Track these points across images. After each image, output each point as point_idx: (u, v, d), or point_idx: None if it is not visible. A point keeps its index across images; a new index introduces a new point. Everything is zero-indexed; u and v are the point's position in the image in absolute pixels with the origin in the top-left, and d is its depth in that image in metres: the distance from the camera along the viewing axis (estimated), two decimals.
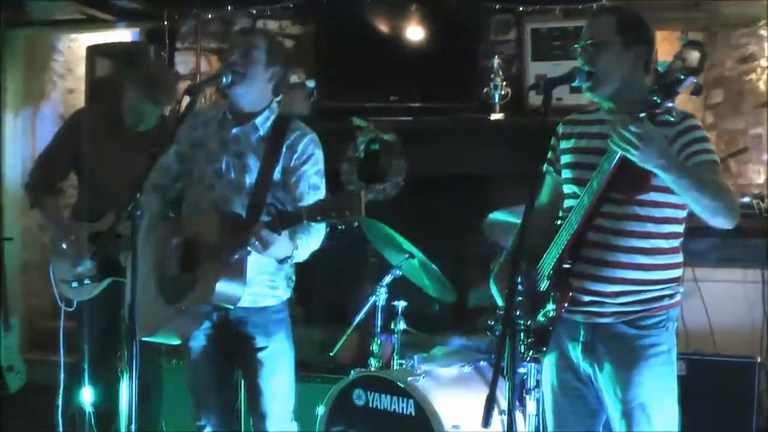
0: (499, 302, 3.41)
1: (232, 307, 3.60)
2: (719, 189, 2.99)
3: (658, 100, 2.77)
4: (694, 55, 2.73)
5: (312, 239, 3.66)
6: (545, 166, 3.46)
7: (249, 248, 3.45)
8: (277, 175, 3.73)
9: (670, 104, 2.78)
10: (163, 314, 3.66)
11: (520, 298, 3.25)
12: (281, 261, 3.61)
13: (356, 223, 3.23)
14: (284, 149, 3.76)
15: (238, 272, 3.54)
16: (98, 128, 4.86)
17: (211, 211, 3.71)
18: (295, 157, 3.76)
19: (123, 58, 6.28)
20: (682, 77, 2.72)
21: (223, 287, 3.50)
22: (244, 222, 3.60)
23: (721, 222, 3.00)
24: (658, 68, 2.81)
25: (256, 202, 3.67)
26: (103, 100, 5.91)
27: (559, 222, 3.23)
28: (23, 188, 4.98)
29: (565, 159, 3.35)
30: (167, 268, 3.71)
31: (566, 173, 3.33)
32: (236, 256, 3.50)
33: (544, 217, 3.35)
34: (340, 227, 3.24)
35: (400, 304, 4.75)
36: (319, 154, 3.82)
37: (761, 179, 6.37)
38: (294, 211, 3.44)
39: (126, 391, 3.67)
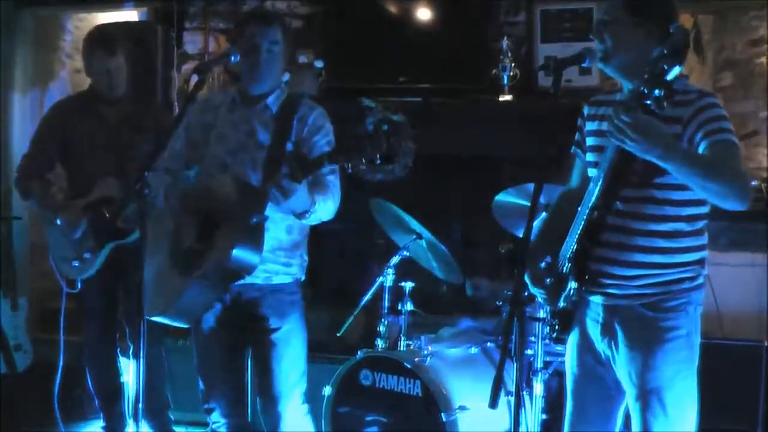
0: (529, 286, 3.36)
1: (246, 276, 3.57)
2: (726, 171, 2.93)
3: (645, 91, 2.76)
4: (678, 44, 2.73)
5: (329, 200, 3.66)
6: (573, 148, 3.45)
7: (269, 200, 3.42)
8: (288, 147, 3.73)
9: (685, 85, 2.75)
10: (177, 287, 3.63)
11: (546, 281, 3.26)
12: (300, 215, 3.59)
13: (379, 160, 3.17)
14: (295, 122, 3.78)
15: (255, 238, 3.51)
16: (74, 109, 4.92)
17: (228, 180, 3.68)
18: (306, 129, 3.78)
19: (112, 28, 6.26)
20: (666, 67, 2.71)
21: (241, 253, 3.46)
22: (259, 190, 3.58)
23: (731, 205, 2.95)
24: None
25: (269, 175, 3.66)
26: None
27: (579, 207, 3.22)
28: (14, 185, 5.03)
29: (589, 142, 3.34)
30: (183, 237, 3.69)
31: (590, 156, 3.32)
32: (254, 221, 3.48)
33: (574, 200, 3.29)
34: (362, 167, 3.19)
35: (408, 285, 4.75)
36: (329, 126, 3.84)
37: None
38: (314, 157, 3.43)
39: (133, 370, 3.70)
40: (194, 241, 3.63)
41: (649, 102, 2.77)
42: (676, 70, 2.72)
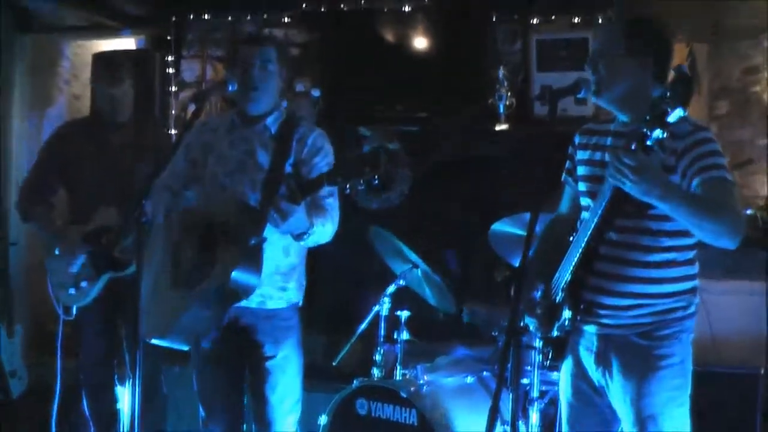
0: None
1: (245, 298, 3.57)
2: (721, 211, 2.95)
3: (647, 132, 2.75)
4: (681, 86, 2.73)
5: (327, 222, 3.67)
6: (564, 176, 3.46)
7: (268, 222, 3.43)
8: (288, 169, 3.74)
9: (683, 116, 2.75)
10: (176, 309, 3.62)
11: (538, 310, 3.27)
12: (297, 236, 3.59)
13: (376, 182, 3.19)
14: (294, 143, 3.79)
15: (254, 260, 3.52)
16: (78, 134, 4.93)
17: (227, 203, 3.69)
18: (305, 150, 3.79)
19: (119, 56, 6.29)
20: (668, 109, 2.71)
21: (240, 275, 3.47)
22: (258, 211, 3.59)
23: (724, 243, 2.98)
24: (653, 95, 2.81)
25: (268, 196, 3.66)
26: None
27: (572, 237, 3.23)
28: (14, 207, 5.04)
29: (580, 170, 3.35)
30: (182, 257, 3.70)
31: (582, 185, 3.33)
32: (253, 242, 3.49)
33: (564, 227, 3.35)
34: (360, 187, 3.21)
35: (404, 314, 4.75)
36: (328, 147, 3.85)
37: (766, 191, 6.36)
38: (313, 179, 3.44)
39: (129, 395, 3.69)
40: (194, 262, 3.63)
41: (650, 143, 2.78)
42: (678, 113, 2.71)
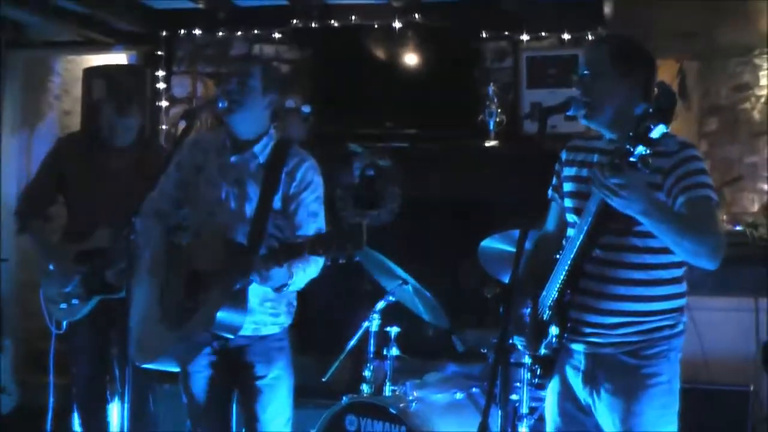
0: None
1: (232, 336, 3.59)
2: (702, 231, 2.96)
3: (631, 148, 2.73)
4: (663, 103, 2.73)
5: (309, 268, 3.64)
6: (550, 193, 3.45)
7: (251, 278, 3.46)
8: (277, 203, 3.74)
9: (666, 132, 2.75)
10: (165, 340, 3.65)
11: (526, 329, 3.27)
12: (277, 289, 3.61)
13: (357, 258, 3.24)
14: (283, 176, 3.76)
15: (240, 302, 3.54)
16: (80, 149, 4.92)
17: (214, 240, 3.70)
18: (294, 184, 3.76)
19: (119, 79, 6.30)
20: (651, 126, 2.68)
21: (225, 316, 3.50)
22: (245, 250, 3.60)
23: (703, 263, 2.98)
24: (636, 112, 2.79)
25: (256, 231, 3.68)
26: (88, 120, 5.97)
27: (558, 255, 3.23)
28: (13, 215, 5.02)
29: (566, 187, 3.34)
30: (171, 293, 3.71)
31: (568, 202, 3.32)
32: (238, 286, 3.51)
33: (551, 244, 3.35)
34: (341, 261, 3.25)
35: (393, 330, 4.75)
36: (318, 181, 3.82)
37: (755, 207, 6.38)
38: (295, 244, 3.44)
39: (117, 415, 3.69)
40: (181, 299, 3.65)
41: (634, 159, 2.78)
42: (660, 129, 2.68)
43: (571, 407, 3.30)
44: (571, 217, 3.28)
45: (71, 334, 4.82)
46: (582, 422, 3.29)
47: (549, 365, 3.30)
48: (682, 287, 3.23)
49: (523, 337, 3.28)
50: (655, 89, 2.78)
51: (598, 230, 3.06)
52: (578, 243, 3.07)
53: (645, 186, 2.89)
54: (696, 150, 3.13)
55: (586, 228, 3.04)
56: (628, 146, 2.74)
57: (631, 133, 2.72)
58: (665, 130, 2.71)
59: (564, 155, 3.40)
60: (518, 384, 4.31)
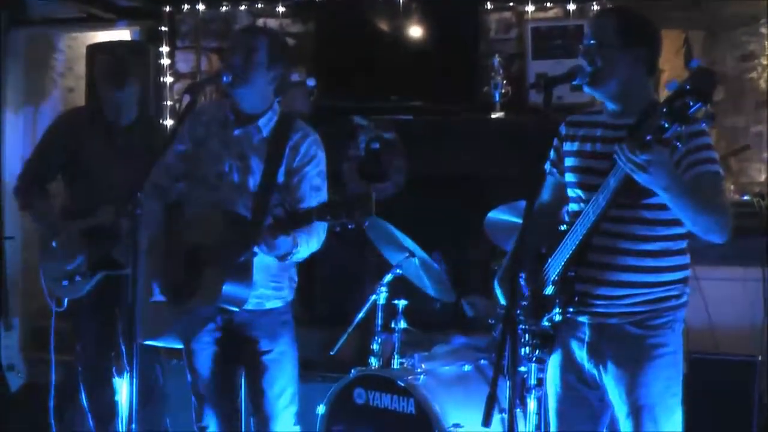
0: (503, 302, 3.40)
1: (237, 309, 3.59)
2: (715, 208, 2.98)
3: (667, 125, 2.68)
4: (703, 83, 2.66)
5: (313, 239, 3.65)
6: (548, 167, 3.44)
7: (256, 249, 3.45)
8: (280, 177, 3.74)
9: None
10: (168, 317, 3.66)
11: (524, 302, 3.27)
12: (281, 258, 3.60)
13: (366, 224, 3.23)
14: (287, 150, 3.76)
15: (244, 274, 3.54)
16: (83, 126, 4.89)
17: (217, 213, 3.70)
18: (297, 158, 3.76)
19: (122, 55, 6.28)
20: (691, 104, 2.63)
21: (230, 289, 3.50)
22: (249, 224, 3.60)
23: (712, 238, 3.01)
24: (668, 88, 2.73)
25: (260, 204, 3.68)
26: (91, 97, 5.94)
27: (563, 227, 3.22)
28: (13, 192, 5.00)
29: (569, 162, 3.33)
30: (173, 270, 3.71)
31: (571, 177, 3.31)
32: (243, 259, 3.50)
33: (545, 216, 3.36)
34: (349, 227, 3.24)
35: (401, 303, 4.75)
36: (321, 155, 3.82)
37: (762, 177, 6.37)
38: (304, 210, 3.44)
39: (126, 392, 3.69)
40: (184, 276, 3.65)
41: (668, 136, 2.70)
42: (700, 108, 2.64)
43: (574, 380, 3.31)
44: (574, 192, 3.27)
45: (75, 311, 4.82)
46: (584, 396, 3.31)
47: (550, 340, 3.30)
48: (687, 258, 3.24)
49: (522, 310, 3.28)
50: (693, 67, 2.72)
51: (610, 204, 3.05)
52: (594, 218, 3.05)
53: (671, 162, 2.88)
54: (703, 124, 3.11)
55: (604, 204, 3.02)
56: (664, 123, 2.69)
57: (665, 109, 2.68)
58: (703, 110, 2.67)
59: (563, 130, 3.39)
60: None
